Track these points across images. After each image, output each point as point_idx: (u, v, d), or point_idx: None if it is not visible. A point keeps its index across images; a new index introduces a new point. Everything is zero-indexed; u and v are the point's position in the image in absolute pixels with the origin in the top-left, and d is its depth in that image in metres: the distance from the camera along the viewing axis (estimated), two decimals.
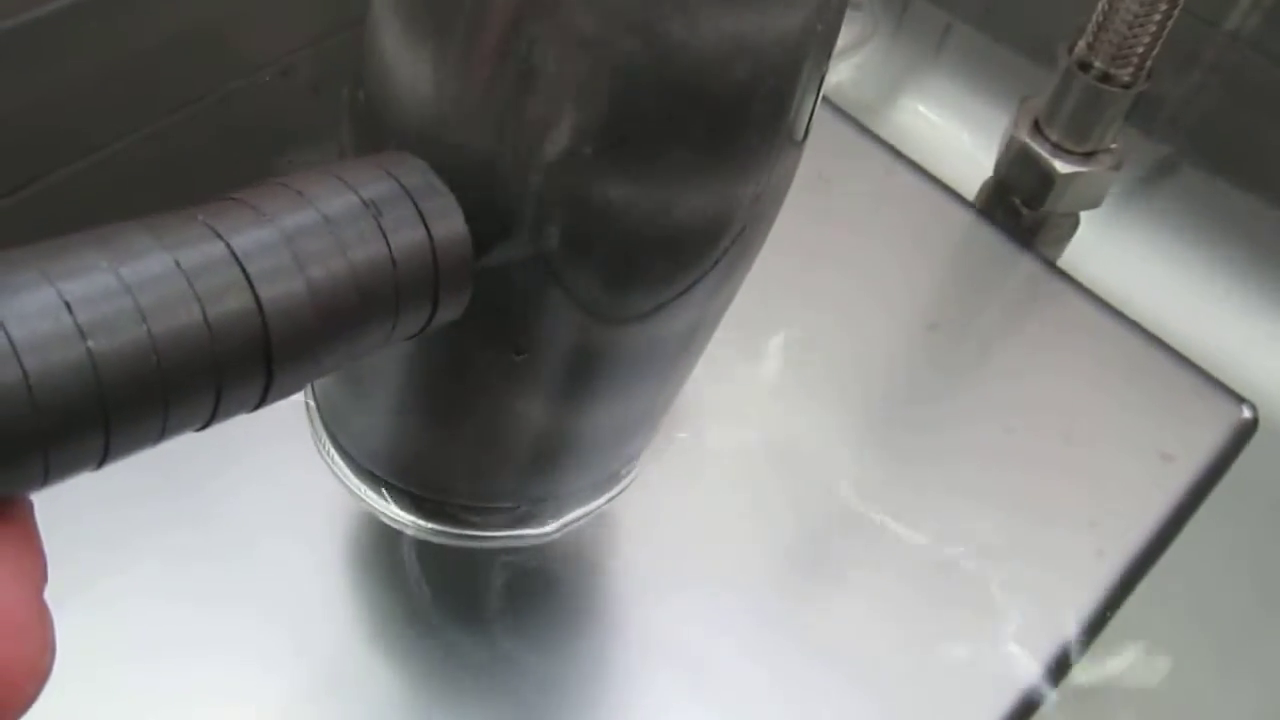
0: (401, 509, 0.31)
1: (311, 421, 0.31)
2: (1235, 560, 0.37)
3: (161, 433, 0.16)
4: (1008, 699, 0.32)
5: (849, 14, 0.50)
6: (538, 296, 0.21)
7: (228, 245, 0.16)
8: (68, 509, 0.30)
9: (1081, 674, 0.33)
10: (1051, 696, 0.32)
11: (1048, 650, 0.33)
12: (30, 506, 0.15)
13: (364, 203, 0.18)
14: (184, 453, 0.32)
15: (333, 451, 0.30)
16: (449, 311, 0.19)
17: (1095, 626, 0.33)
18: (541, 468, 0.27)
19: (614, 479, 0.32)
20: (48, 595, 0.14)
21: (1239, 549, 0.37)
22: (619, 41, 0.17)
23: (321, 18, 0.39)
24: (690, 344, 0.25)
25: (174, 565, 0.31)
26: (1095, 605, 0.34)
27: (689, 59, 0.18)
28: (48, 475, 0.14)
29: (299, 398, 0.30)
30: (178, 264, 0.15)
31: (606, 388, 0.24)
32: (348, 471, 0.30)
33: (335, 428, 0.30)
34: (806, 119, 0.21)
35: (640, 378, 0.24)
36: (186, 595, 0.30)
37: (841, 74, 0.50)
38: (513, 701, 0.30)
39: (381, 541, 0.32)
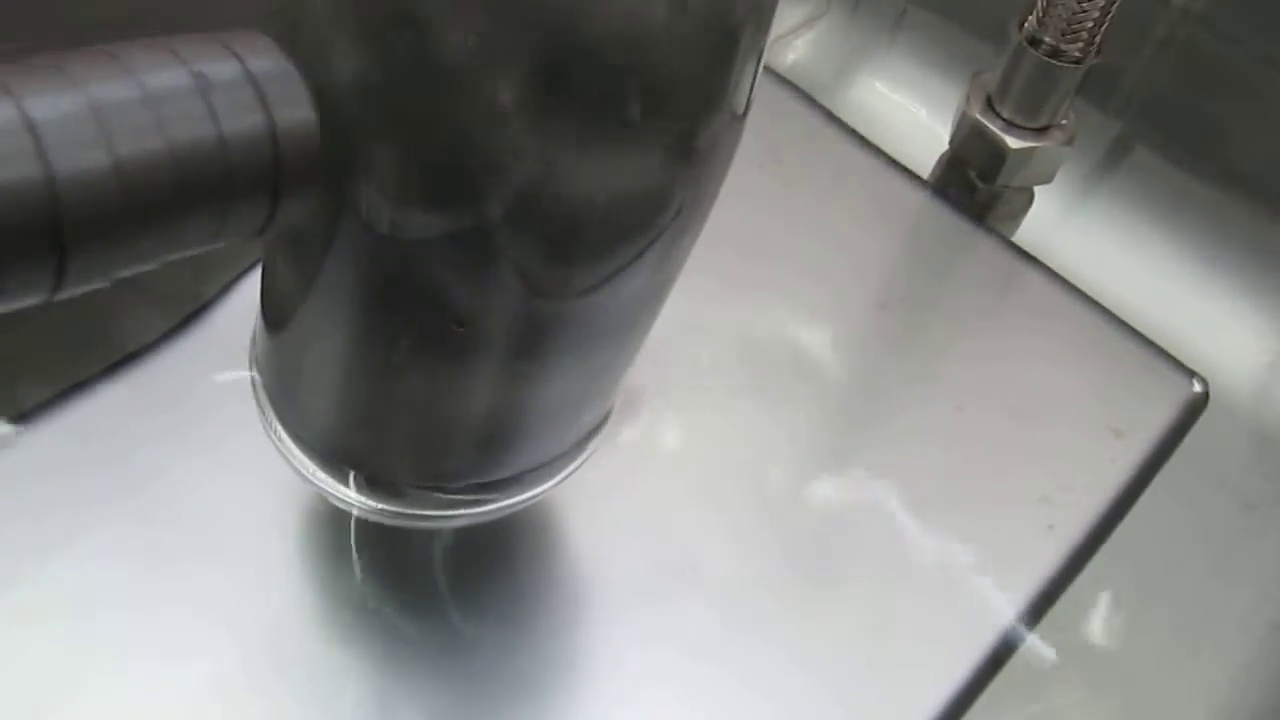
0: (350, 489, 0.30)
1: (257, 398, 0.30)
2: (1186, 534, 0.37)
3: None
4: (959, 674, 0.32)
5: None
6: (473, 268, 0.21)
7: (19, 106, 0.15)
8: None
9: (1032, 650, 0.33)
10: (1001, 672, 0.32)
11: (998, 626, 0.33)
12: None
13: (192, 76, 0.16)
14: (123, 437, 0.32)
15: (279, 430, 0.30)
16: (293, 210, 0.18)
17: (1046, 602, 0.33)
18: (489, 444, 0.27)
19: (567, 457, 0.32)
20: None
21: (1190, 522, 0.38)
22: (550, 11, 0.17)
23: None
24: (637, 319, 0.25)
25: (114, 558, 0.30)
26: (1046, 581, 0.34)
27: (623, 29, 0.18)
28: None
29: (244, 373, 0.30)
30: None
31: (550, 362, 0.24)
32: (295, 451, 0.30)
33: (280, 405, 0.29)
34: (747, 92, 0.21)
35: (584, 352, 0.24)
36: (129, 588, 0.30)
37: (796, 52, 0.49)
38: (467, 682, 0.30)
39: (331, 522, 0.32)
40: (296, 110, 0.17)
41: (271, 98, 0.17)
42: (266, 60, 0.17)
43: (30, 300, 0.16)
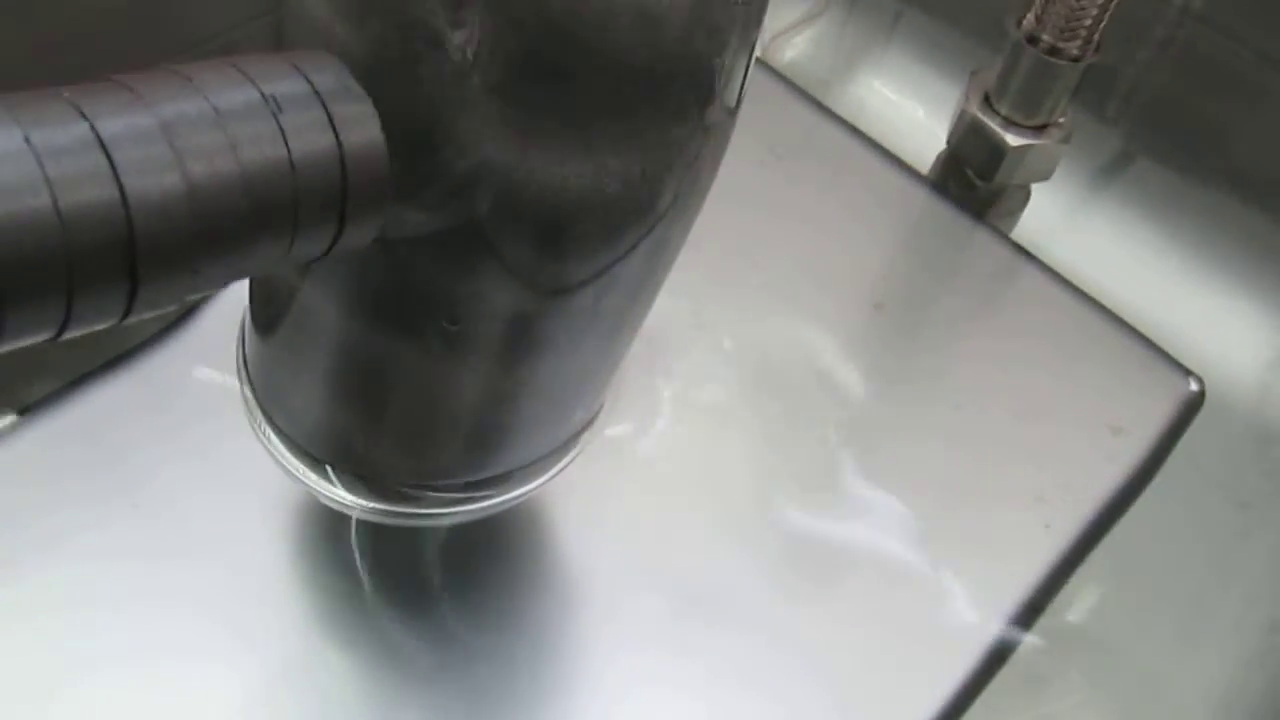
0: (344, 489, 0.30)
1: (246, 401, 0.30)
2: (1183, 532, 0.37)
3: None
4: (957, 674, 0.32)
5: None
6: (465, 265, 0.21)
7: (93, 128, 0.14)
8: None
9: (1029, 649, 0.33)
10: (998, 670, 0.32)
11: (995, 626, 0.33)
12: None
13: (263, 98, 0.16)
14: (112, 444, 0.32)
15: (269, 432, 0.30)
16: (360, 232, 0.17)
17: (1042, 601, 0.33)
18: (482, 441, 0.27)
19: (561, 453, 0.31)
20: None
21: (1186, 521, 0.37)
22: (537, 4, 0.17)
23: None
24: (628, 314, 0.25)
25: (109, 563, 0.30)
26: (1042, 579, 0.34)
27: (613, 22, 0.18)
28: None
29: (231, 376, 0.30)
30: (28, 141, 0.14)
31: (541, 358, 0.24)
32: (286, 453, 0.30)
33: (271, 407, 0.29)
34: (738, 87, 0.21)
35: (576, 349, 0.24)
36: (124, 593, 0.30)
37: (794, 49, 0.49)
38: (465, 681, 0.30)
39: (325, 524, 0.32)
40: (364, 131, 0.17)
41: (339, 119, 0.16)
42: (333, 80, 0.17)
43: (98, 326, 0.15)
